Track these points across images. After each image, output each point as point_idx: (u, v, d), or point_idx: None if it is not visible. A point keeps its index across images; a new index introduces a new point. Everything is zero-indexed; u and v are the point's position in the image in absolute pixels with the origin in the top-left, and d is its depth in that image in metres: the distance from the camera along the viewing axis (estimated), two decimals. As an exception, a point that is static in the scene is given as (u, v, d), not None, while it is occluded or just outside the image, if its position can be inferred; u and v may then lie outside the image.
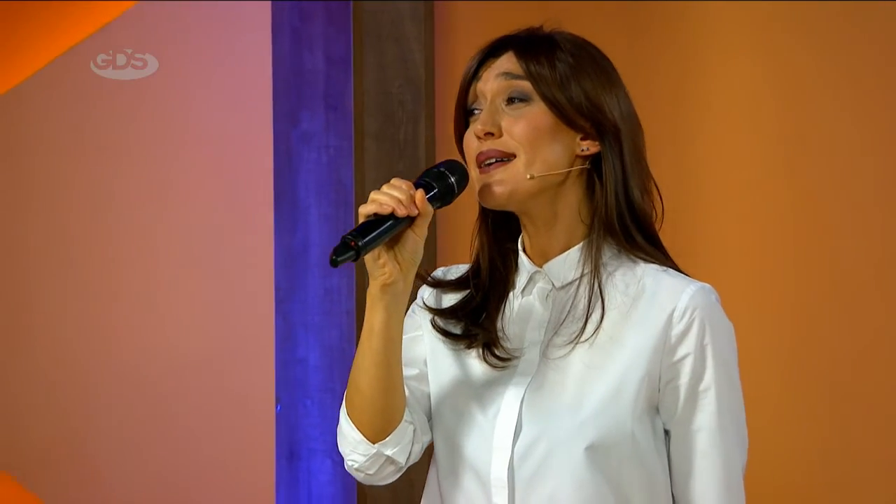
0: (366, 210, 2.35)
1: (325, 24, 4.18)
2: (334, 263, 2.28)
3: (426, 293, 2.63)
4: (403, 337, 2.58)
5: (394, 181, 2.36)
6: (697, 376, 2.42)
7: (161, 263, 4.40)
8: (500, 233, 2.60)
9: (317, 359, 4.19)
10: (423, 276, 2.59)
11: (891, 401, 3.94)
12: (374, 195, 2.36)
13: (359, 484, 4.03)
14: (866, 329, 3.95)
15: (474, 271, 2.59)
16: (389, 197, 2.36)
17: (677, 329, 2.43)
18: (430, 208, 2.40)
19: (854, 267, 3.96)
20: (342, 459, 3.71)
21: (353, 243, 2.30)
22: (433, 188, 2.43)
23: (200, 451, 4.32)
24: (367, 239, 2.32)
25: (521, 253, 2.57)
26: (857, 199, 3.92)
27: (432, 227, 3.94)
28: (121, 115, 4.51)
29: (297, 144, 4.18)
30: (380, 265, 2.38)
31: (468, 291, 2.59)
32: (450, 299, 2.61)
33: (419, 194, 2.37)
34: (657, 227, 2.55)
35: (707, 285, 2.45)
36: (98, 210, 4.47)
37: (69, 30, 4.72)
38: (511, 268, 2.58)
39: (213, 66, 4.43)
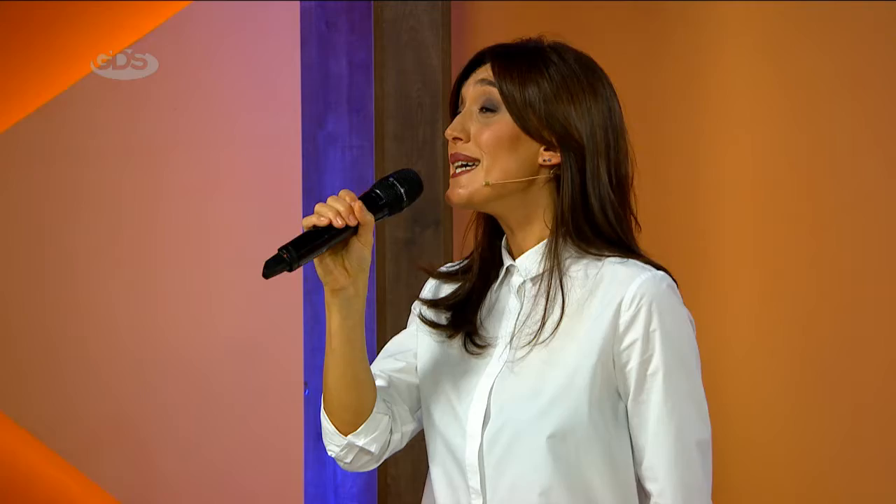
0: (307, 222, 2.43)
1: (349, 32, 4.23)
2: (266, 276, 2.37)
3: (426, 287, 2.73)
4: (402, 333, 2.73)
5: (341, 192, 2.44)
6: (646, 360, 2.51)
7: (200, 257, 4.40)
8: (493, 230, 2.68)
9: (338, 350, 4.19)
10: (428, 271, 2.72)
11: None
12: (317, 207, 2.44)
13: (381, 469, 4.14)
14: (871, 326, 4.03)
15: (467, 265, 2.69)
16: (329, 208, 2.43)
17: (625, 317, 2.51)
18: (369, 218, 2.45)
19: (860, 264, 4.04)
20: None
21: (285, 255, 2.38)
22: (381, 198, 2.51)
23: (236, 431, 4.34)
24: (300, 251, 2.39)
25: (503, 249, 2.66)
26: (862, 197, 4.00)
27: (448, 225, 3.93)
28: (165, 119, 4.46)
29: (323, 145, 4.23)
30: (328, 272, 2.45)
31: (458, 286, 2.68)
32: (445, 291, 2.69)
33: (357, 205, 2.43)
34: (636, 233, 2.63)
35: (660, 273, 2.54)
36: (143, 207, 4.43)
37: (129, 29, 4.51)
38: (498, 263, 2.67)
39: (245, 72, 4.44)
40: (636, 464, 2.57)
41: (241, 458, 4.36)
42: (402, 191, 2.54)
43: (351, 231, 2.45)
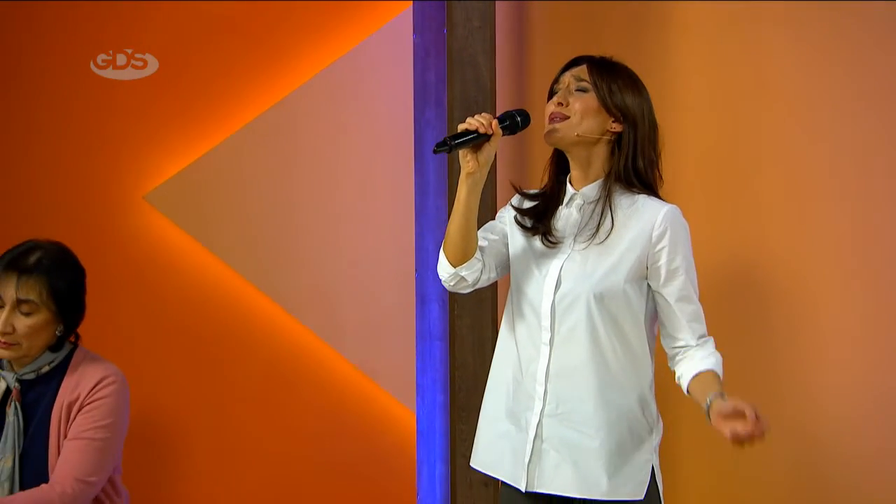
0: (461, 126, 2.82)
1: (435, 57, 4.34)
2: (434, 151, 2.77)
3: (514, 199, 3.09)
4: (496, 219, 3.08)
5: (483, 113, 2.85)
6: (671, 260, 2.90)
7: (365, 188, 4.54)
8: (560, 169, 3.06)
9: (433, 248, 4.41)
10: (516, 188, 3.11)
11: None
12: (468, 119, 2.82)
13: (450, 312, 4.27)
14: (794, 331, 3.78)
15: (543, 190, 3.07)
16: (476, 120, 2.82)
17: (657, 231, 2.88)
18: (499, 131, 2.83)
19: (799, 248, 3.76)
20: (445, 305, 4.26)
21: (448, 142, 2.76)
22: (505, 121, 2.89)
23: (382, 299, 4.57)
24: (456, 141, 2.76)
25: (567, 182, 3.02)
26: (798, 178, 3.76)
27: (493, 171, 3.99)
28: (341, 114, 4.56)
29: (424, 127, 4.42)
30: (467, 160, 2.83)
31: (538, 202, 3.06)
32: (528, 204, 3.07)
33: (494, 122, 2.83)
34: (659, 185, 2.97)
35: (675, 206, 2.92)
36: (330, 164, 4.56)
37: (339, 35, 4.55)
38: (563, 190, 3.03)
39: (385, 82, 4.53)
40: (664, 320, 2.93)
41: (380, 316, 4.57)
42: (519, 119, 2.89)
43: (486, 137, 2.81)
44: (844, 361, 3.68)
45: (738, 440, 2.59)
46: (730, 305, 3.85)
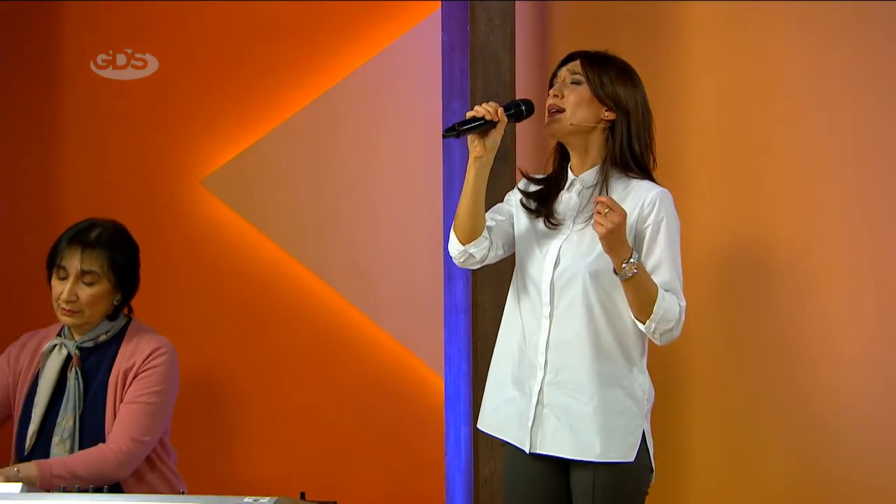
0: (469, 113, 2.95)
1: (460, 52, 4.34)
2: (444, 136, 2.91)
3: (521, 182, 3.17)
4: (504, 202, 3.15)
5: (490, 102, 2.99)
6: (652, 237, 2.97)
7: (404, 174, 4.63)
8: (563, 156, 3.13)
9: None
10: (523, 173, 3.18)
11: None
12: (476, 107, 2.95)
13: (473, 287, 4.30)
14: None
15: (548, 176, 3.17)
16: (483, 108, 2.94)
17: (647, 210, 2.95)
18: (505, 118, 2.94)
19: (795, 241, 3.82)
20: (468, 281, 4.30)
21: (456, 127, 2.90)
22: (511, 109, 3.01)
23: (414, 275, 4.61)
24: (464, 127, 2.89)
25: (568, 169, 3.11)
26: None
27: (512, 160, 4.10)
28: (382, 110, 4.61)
29: (450, 118, 4.36)
30: (474, 145, 2.93)
31: (542, 187, 3.15)
32: (533, 188, 3.15)
33: (500, 110, 2.94)
34: (653, 168, 3.04)
35: (666, 189, 3.00)
36: (368, 154, 4.62)
37: (379, 32, 4.63)
38: (565, 176, 3.11)
39: (418, 79, 4.59)
40: None
41: (407, 283, 4.62)
42: (524, 108, 3.03)
43: (492, 124, 2.92)
44: (850, 343, 3.74)
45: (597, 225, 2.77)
46: (735, 289, 3.90)
